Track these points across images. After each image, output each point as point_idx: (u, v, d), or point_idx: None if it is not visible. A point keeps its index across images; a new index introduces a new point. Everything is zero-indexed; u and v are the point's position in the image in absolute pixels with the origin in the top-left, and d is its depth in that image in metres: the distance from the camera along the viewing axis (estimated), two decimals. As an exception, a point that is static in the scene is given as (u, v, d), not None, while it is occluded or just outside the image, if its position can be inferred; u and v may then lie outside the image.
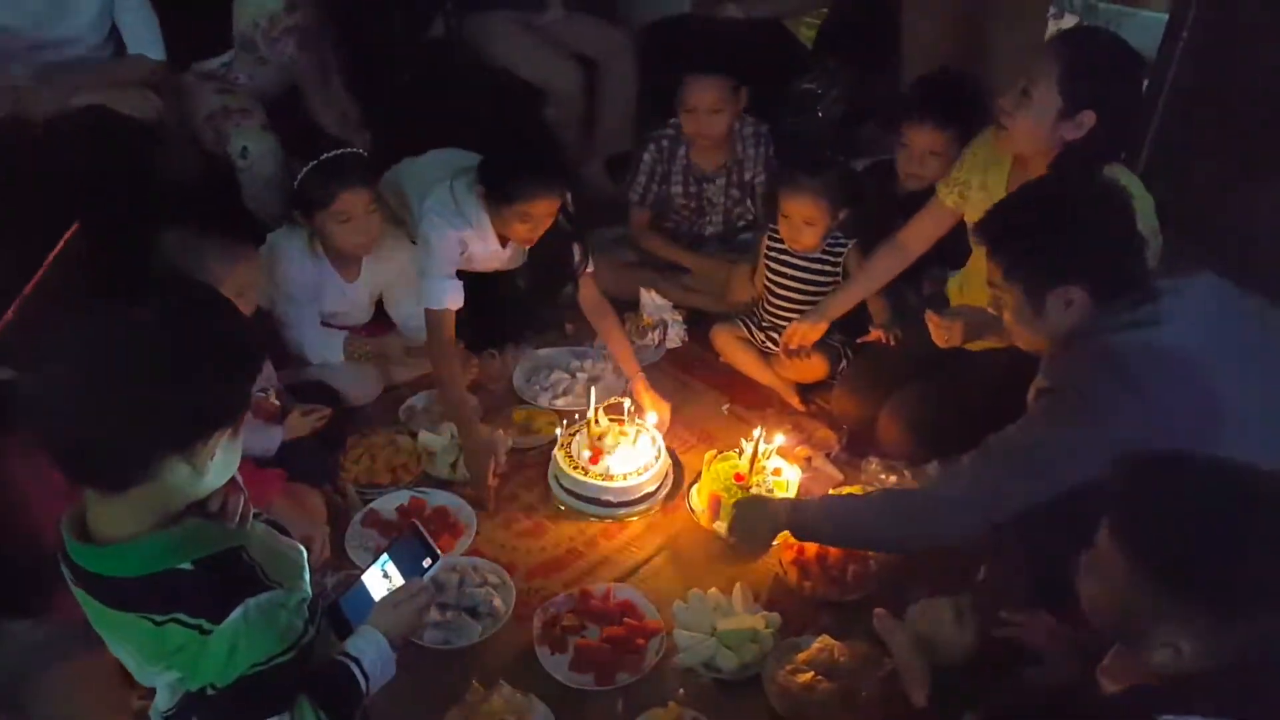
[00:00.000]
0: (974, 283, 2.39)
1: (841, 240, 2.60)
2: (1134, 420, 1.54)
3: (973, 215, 2.31)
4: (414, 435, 2.40)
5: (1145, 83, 3.19)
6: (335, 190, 2.29)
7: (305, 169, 2.28)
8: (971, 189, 2.31)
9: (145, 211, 2.07)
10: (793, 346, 2.53)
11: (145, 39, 2.55)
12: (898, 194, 2.69)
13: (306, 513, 2.04)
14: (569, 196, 2.42)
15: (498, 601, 1.97)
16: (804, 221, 2.53)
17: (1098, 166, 2.04)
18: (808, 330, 2.53)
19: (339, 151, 2.33)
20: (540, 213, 2.30)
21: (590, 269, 2.55)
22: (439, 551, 1.48)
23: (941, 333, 2.21)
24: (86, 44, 2.48)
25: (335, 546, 2.08)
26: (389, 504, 2.21)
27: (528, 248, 2.47)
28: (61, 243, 1.51)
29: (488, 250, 2.45)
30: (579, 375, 2.66)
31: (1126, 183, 2.09)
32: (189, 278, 1.54)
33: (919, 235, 2.45)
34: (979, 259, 2.36)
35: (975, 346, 2.29)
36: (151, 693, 1.36)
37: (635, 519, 2.26)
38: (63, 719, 1.63)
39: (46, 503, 1.51)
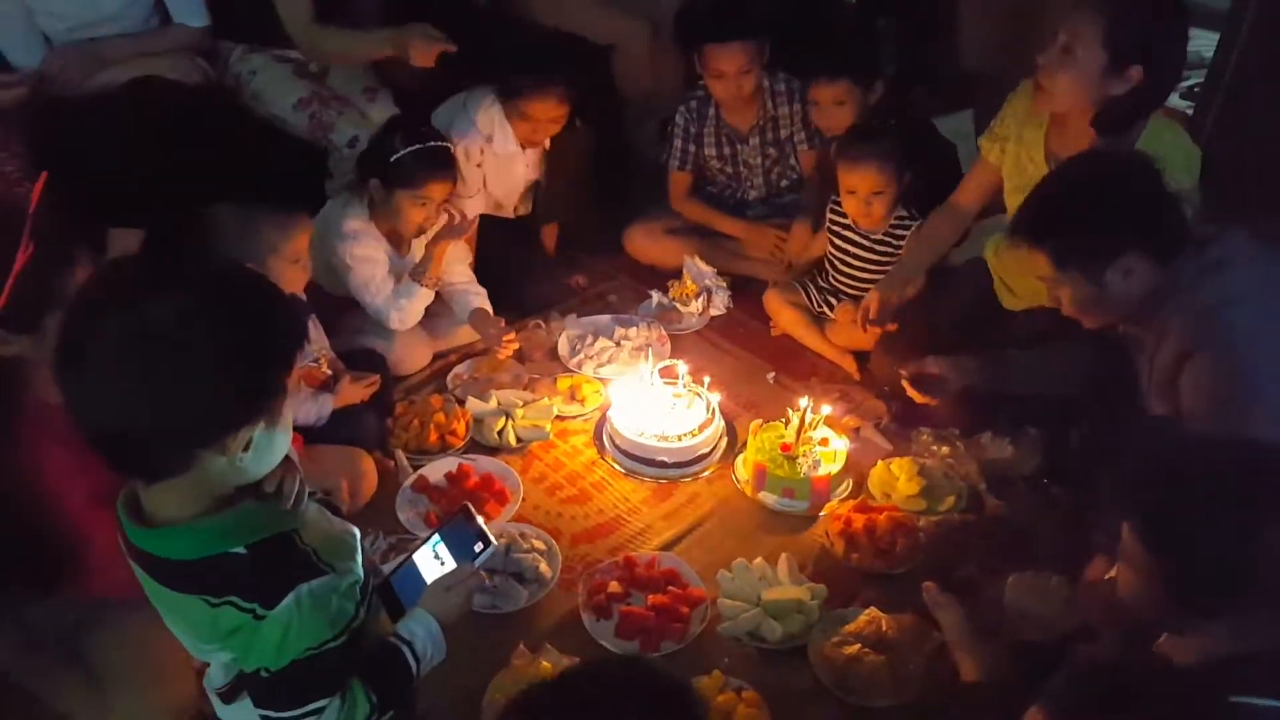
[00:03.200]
0: (1011, 145, 2.31)
1: (906, 219, 2.52)
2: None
3: (1010, 170, 2.26)
4: (462, 402, 2.43)
5: (1217, 38, 3.07)
6: (427, 177, 2.36)
7: (406, 149, 2.33)
8: (1009, 143, 2.24)
9: (197, 181, 2.09)
10: (873, 316, 2.39)
11: (187, 6, 2.57)
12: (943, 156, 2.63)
13: (323, 469, 2.06)
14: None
15: (544, 567, 1.99)
16: (871, 193, 2.44)
17: (1142, 118, 2.00)
18: (894, 300, 2.40)
19: (439, 143, 2.40)
20: (548, 115, 2.55)
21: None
22: (492, 538, 1.49)
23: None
24: (128, 21, 2.50)
25: (387, 511, 2.12)
26: (438, 470, 2.24)
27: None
28: (35, 198, 1.50)
29: (507, 150, 2.66)
30: (623, 343, 2.66)
31: (1172, 135, 2.05)
32: (222, 264, 1.55)
33: (971, 194, 2.40)
34: (1010, 121, 2.27)
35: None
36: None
37: (689, 480, 2.27)
38: (125, 670, 1.68)
39: (63, 481, 1.55)
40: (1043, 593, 1.67)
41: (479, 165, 2.66)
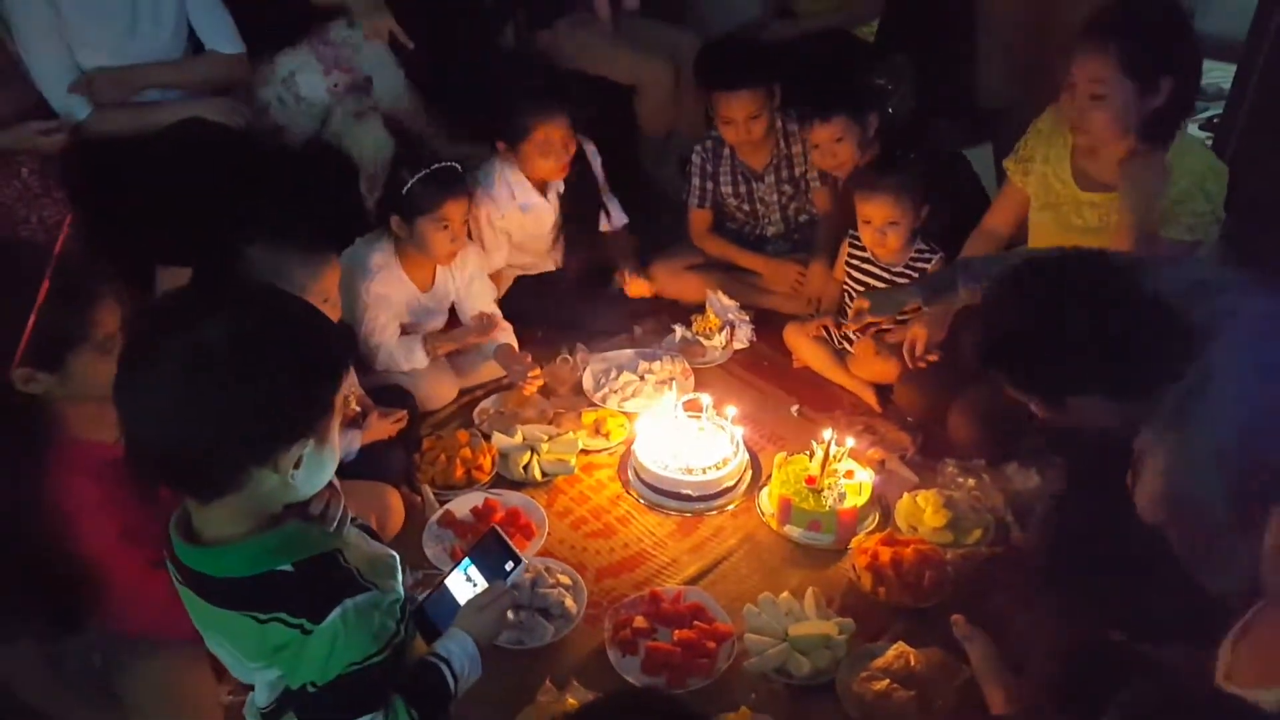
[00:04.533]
0: (1036, 165, 2.30)
1: (926, 253, 2.53)
2: None
3: (1036, 190, 2.28)
4: (488, 437, 2.46)
5: (1234, 69, 3.08)
6: (441, 199, 2.40)
7: (414, 178, 2.39)
8: (1034, 163, 2.26)
9: (233, 222, 2.14)
10: (919, 353, 2.31)
11: (219, 35, 2.62)
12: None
13: (351, 504, 2.07)
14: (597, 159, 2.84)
15: (570, 602, 1.99)
16: (887, 223, 2.45)
17: (1185, 118, 2.02)
18: (939, 335, 2.32)
19: (446, 164, 2.44)
20: (554, 138, 2.61)
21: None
22: (520, 555, 1.52)
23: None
24: (164, 50, 2.56)
25: (413, 546, 2.13)
26: (464, 505, 2.25)
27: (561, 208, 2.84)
28: (61, 240, 1.54)
29: (530, 204, 2.74)
30: (647, 377, 2.67)
31: (1201, 149, 2.08)
32: (272, 287, 1.59)
33: (1002, 217, 2.41)
34: (1035, 142, 2.29)
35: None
36: (238, 687, 1.40)
37: (714, 514, 2.27)
38: (154, 708, 1.70)
39: (91, 517, 1.57)
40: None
41: (503, 229, 2.76)
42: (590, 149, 2.87)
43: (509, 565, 1.51)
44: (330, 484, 1.27)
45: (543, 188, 2.78)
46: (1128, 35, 1.93)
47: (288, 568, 1.18)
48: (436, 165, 2.41)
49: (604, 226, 2.97)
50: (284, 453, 1.14)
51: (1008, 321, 1.58)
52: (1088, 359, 1.49)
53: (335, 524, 1.26)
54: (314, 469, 1.19)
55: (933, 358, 2.32)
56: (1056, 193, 2.21)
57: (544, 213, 2.81)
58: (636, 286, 2.93)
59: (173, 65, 2.56)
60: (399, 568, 1.33)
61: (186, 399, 1.08)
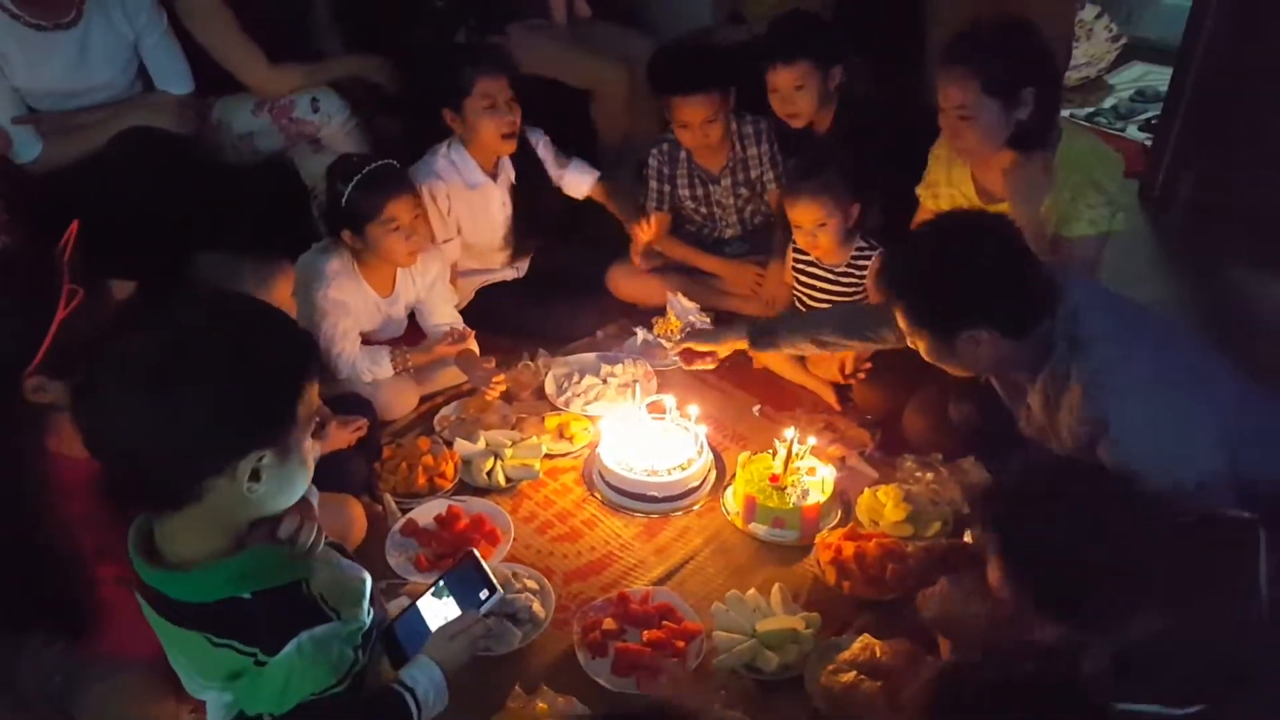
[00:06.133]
0: (943, 189, 2.38)
1: (868, 250, 2.56)
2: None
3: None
4: (449, 443, 2.43)
5: (1170, 71, 3.18)
6: (383, 200, 2.33)
7: (350, 186, 2.32)
8: (941, 187, 2.34)
9: (189, 228, 2.11)
10: (849, 371, 2.51)
11: (170, 74, 2.59)
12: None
13: None
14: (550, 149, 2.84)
15: (538, 607, 1.99)
16: (816, 225, 2.46)
17: (1052, 125, 2.10)
18: (859, 355, 2.50)
19: (379, 163, 2.37)
20: (496, 92, 2.55)
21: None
22: (498, 585, 1.50)
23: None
24: (116, 89, 2.52)
25: (376, 556, 2.11)
26: (427, 513, 2.23)
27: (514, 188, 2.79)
28: (70, 245, 1.50)
29: (478, 182, 2.70)
30: (610, 381, 2.67)
31: (1087, 142, 2.15)
32: (220, 290, 1.54)
33: None
34: (936, 168, 2.38)
35: None
36: (199, 707, 1.38)
37: (679, 514, 2.28)
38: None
39: (74, 534, 1.54)
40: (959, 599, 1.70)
41: (449, 211, 2.70)
42: (537, 139, 2.84)
43: (484, 594, 1.49)
44: (306, 505, 1.23)
45: (492, 170, 2.74)
46: (982, 56, 2.02)
47: (246, 596, 1.15)
48: (369, 167, 2.34)
49: (580, 192, 2.95)
50: (240, 461, 1.10)
51: (910, 256, 1.81)
52: (969, 288, 1.69)
53: (305, 551, 1.22)
54: (278, 483, 1.15)
55: (861, 375, 2.48)
56: None
57: (492, 195, 2.75)
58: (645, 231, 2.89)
59: (119, 106, 2.51)
60: (367, 592, 1.30)
61: (134, 402, 1.06)
